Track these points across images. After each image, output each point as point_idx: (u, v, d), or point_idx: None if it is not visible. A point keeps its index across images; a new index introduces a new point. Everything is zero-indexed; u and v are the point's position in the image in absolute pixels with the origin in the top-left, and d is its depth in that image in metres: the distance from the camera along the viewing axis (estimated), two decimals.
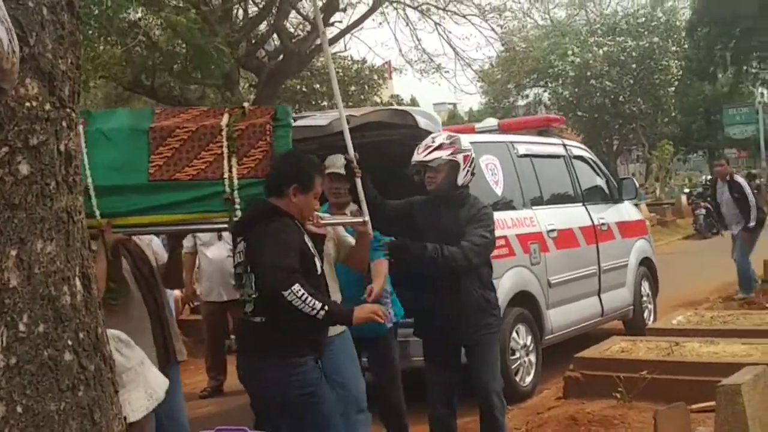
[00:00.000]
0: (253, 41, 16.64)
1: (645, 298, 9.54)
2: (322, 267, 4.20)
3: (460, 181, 5.08)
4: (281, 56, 17.07)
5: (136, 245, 4.68)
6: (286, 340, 3.97)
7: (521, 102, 43.69)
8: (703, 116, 41.04)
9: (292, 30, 18.41)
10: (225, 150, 4.27)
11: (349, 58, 23.48)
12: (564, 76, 36.03)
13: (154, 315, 4.57)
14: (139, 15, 13.67)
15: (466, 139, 5.33)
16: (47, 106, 2.20)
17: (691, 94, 39.77)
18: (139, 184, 4.31)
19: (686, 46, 36.76)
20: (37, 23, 2.17)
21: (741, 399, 4.48)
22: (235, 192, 4.24)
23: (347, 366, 5.10)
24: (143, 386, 2.58)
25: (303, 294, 3.75)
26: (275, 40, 17.72)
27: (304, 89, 20.90)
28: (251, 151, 4.29)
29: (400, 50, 32.73)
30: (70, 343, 2.20)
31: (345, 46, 25.97)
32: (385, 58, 33.74)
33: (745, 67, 38.91)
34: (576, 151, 9.09)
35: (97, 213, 4.23)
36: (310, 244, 4.12)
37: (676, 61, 36.05)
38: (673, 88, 37.09)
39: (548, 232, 7.66)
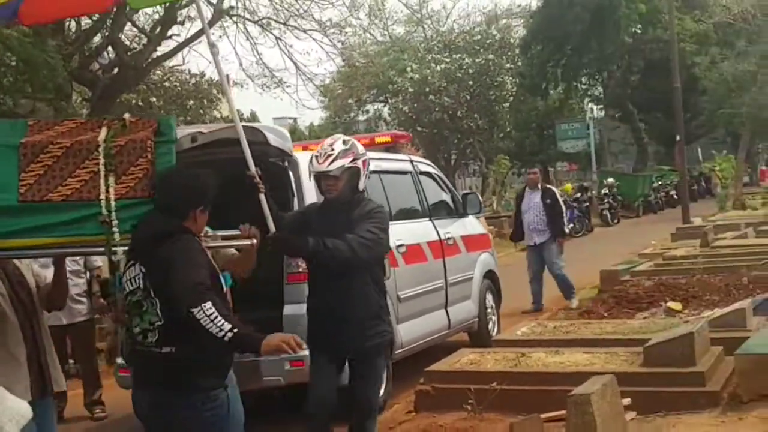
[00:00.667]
0: (87, 54, 16.04)
1: (489, 310, 9.72)
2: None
3: (361, 186, 5.06)
4: (116, 69, 16.52)
5: (15, 267, 4.36)
6: (198, 372, 3.71)
7: (362, 117, 44.12)
8: (535, 131, 42.61)
9: (127, 43, 17.87)
10: (102, 168, 3.99)
11: (187, 72, 22.99)
12: (403, 92, 36.64)
13: (30, 342, 4.27)
14: None
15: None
16: None
17: (524, 110, 41.23)
18: (8, 206, 3.99)
19: (520, 63, 38.20)
20: None
21: (591, 408, 4.58)
22: (113, 213, 3.95)
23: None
24: None
25: (213, 313, 3.47)
26: (110, 53, 17.14)
27: (140, 103, 20.29)
28: (130, 169, 4.01)
29: (241, 64, 32.16)
30: None
31: (183, 59, 25.37)
32: (225, 72, 33.14)
33: (575, 84, 40.86)
34: (422, 167, 9.18)
35: None
36: (213, 262, 3.91)
37: (510, 78, 37.35)
38: (507, 104, 38.41)
39: (397, 247, 7.65)
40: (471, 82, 35.92)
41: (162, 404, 3.77)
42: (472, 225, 9.79)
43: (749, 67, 29.82)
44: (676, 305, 8.70)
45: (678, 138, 24.24)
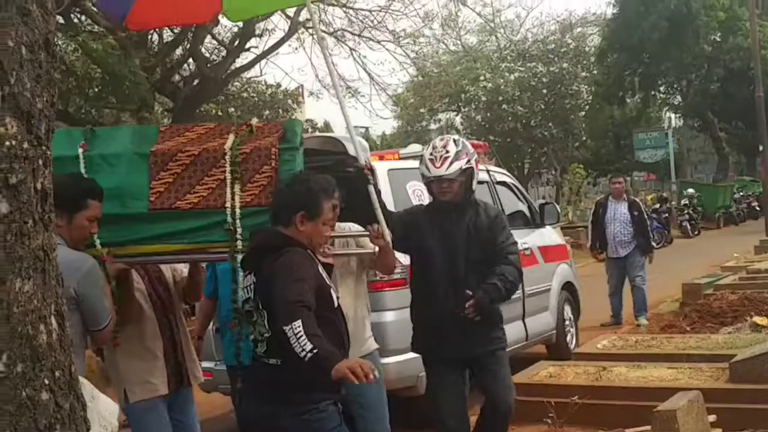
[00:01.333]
0: (169, 66, 16.40)
1: (567, 322, 9.57)
2: (338, 299, 3.95)
3: (474, 186, 5.01)
4: (196, 81, 16.85)
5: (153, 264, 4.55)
6: (304, 384, 3.68)
7: (434, 126, 44.05)
8: (612, 140, 42.03)
9: (207, 55, 18.23)
10: (228, 176, 4.01)
11: (264, 83, 23.33)
12: (476, 101, 36.50)
13: (166, 337, 4.46)
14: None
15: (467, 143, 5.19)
16: (25, 145, 2.25)
17: (600, 119, 40.68)
18: (139, 213, 4.08)
19: (595, 71, 37.71)
20: (17, 62, 2.20)
21: (677, 424, 4.51)
22: (237, 222, 3.99)
23: (370, 387, 4.96)
24: (98, 420, 2.66)
25: (299, 332, 3.45)
26: (191, 65, 17.50)
27: (219, 113, 20.67)
28: (255, 176, 4.01)
29: (317, 75, 32.33)
30: (47, 382, 2.24)
31: (261, 71, 25.73)
32: (301, 83, 33.58)
33: (653, 92, 40.15)
34: (499, 177, 9.11)
35: (98, 242, 4.01)
36: (324, 274, 3.86)
37: (585, 87, 36.89)
38: (583, 113, 37.93)
39: None
40: (545, 91, 35.60)
41: (268, 414, 3.75)
42: (550, 235, 9.66)
43: None
44: (761, 320, 8.47)
45: (761, 148, 23.64)
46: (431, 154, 4.93)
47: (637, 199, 12.71)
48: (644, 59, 36.61)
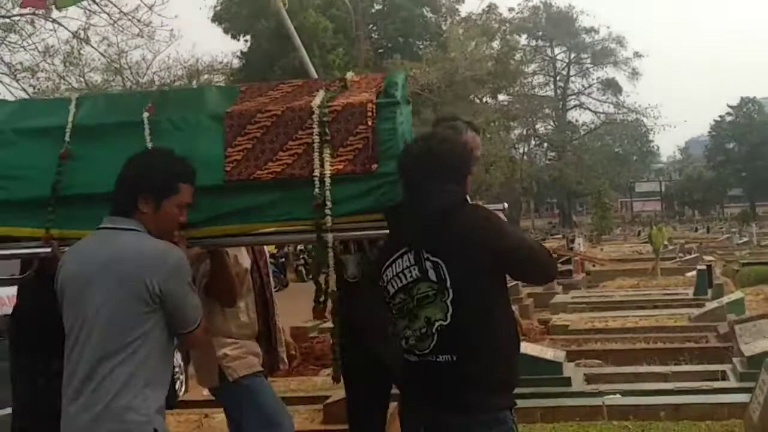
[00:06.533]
0: None
1: (177, 369, 9.49)
2: None
3: None
4: None
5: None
6: (486, 385, 3.06)
7: None
8: None
9: None
10: (316, 138, 3.38)
11: None
12: None
13: (263, 318, 4.08)
14: None
15: None
16: None
17: None
18: (214, 185, 3.38)
19: None
20: None
21: None
22: (327, 193, 3.31)
23: None
24: None
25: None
26: None
27: None
28: (349, 138, 3.39)
29: None
30: None
31: None
32: None
33: None
34: None
35: None
36: None
37: None
38: None
39: None
40: None
41: (439, 425, 3.09)
42: None
43: None
44: None
45: None
46: None
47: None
48: None
